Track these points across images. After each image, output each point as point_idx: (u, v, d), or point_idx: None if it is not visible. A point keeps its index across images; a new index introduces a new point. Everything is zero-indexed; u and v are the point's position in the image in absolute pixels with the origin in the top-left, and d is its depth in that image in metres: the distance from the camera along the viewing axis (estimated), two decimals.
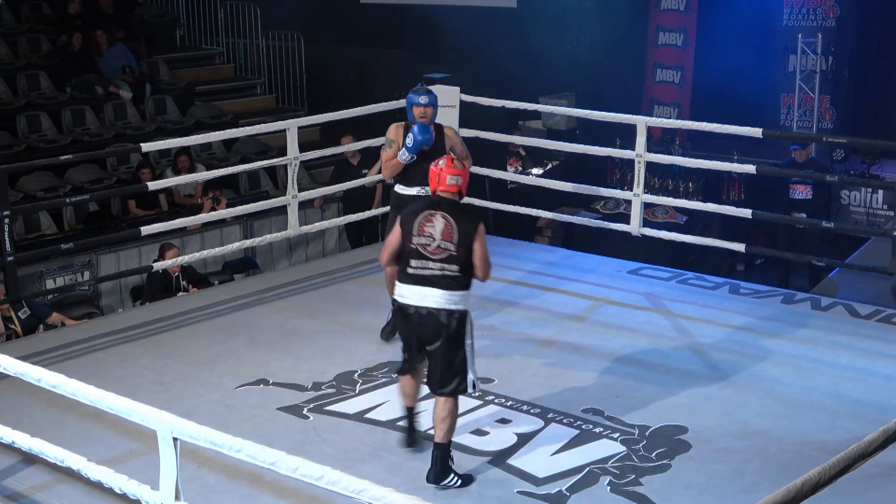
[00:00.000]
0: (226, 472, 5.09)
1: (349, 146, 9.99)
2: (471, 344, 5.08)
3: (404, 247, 5.11)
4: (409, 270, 5.07)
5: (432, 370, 5.12)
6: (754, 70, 12.68)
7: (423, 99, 6.49)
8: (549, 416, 5.78)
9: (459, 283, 5.03)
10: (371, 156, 10.63)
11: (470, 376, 5.07)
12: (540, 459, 5.29)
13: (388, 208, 8.81)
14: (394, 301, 5.34)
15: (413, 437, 5.43)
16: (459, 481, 5.06)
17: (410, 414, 5.42)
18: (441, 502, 4.87)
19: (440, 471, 5.03)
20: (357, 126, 9.83)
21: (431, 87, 8.73)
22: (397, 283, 5.16)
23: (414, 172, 6.49)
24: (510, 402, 5.95)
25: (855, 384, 6.16)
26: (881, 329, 7.07)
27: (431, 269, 5.03)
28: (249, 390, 6.20)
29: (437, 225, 5.03)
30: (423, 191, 6.29)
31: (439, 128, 6.62)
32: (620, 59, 13.59)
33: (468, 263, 5.05)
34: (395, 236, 5.18)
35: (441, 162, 5.24)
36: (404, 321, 5.16)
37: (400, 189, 6.66)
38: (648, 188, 10.46)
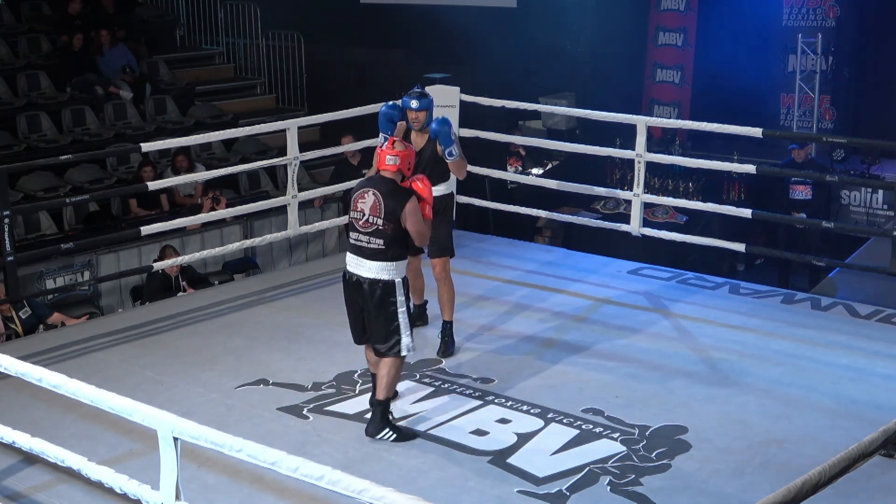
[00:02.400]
0: (226, 472, 5.09)
1: (349, 146, 9.98)
2: (403, 311, 5.48)
3: (348, 219, 5.64)
4: (349, 241, 5.59)
5: (369, 333, 5.56)
6: (754, 70, 12.69)
7: (413, 104, 6.46)
8: (549, 416, 5.78)
9: (385, 255, 5.45)
10: (371, 156, 10.63)
11: (404, 340, 5.47)
12: (540, 459, 5.29)
13: None
14: None
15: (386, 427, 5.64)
16: (394, 436, 5.50)
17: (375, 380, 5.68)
18: (441, 502, 4.87)
19: (378, 426, 5.52)
20: (357, 126, 9.83)
21: (431, 88, 8.77)
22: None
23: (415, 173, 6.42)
24: (510, 402, 5.95)
25: (855, 384, 6.16)
26: (881, 329, 7.07)
27: (362, 241, 5.50)
28: (249, 390, 6.20)
29: (368, 201, 5.49)
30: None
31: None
32: (620, 59, 13.59)
33: (397, 236, 5.46)
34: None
35: (384, 143, 5.71)
36: (344, 287, 5.66)
37: None
38: (648, 188, 10.46)
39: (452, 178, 6.79)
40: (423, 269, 6.90)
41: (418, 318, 6.97)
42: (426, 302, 7.07)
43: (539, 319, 7.28)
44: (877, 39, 12.56)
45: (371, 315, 5.50)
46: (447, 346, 6.68)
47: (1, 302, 7.68)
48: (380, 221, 5.44)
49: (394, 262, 5.48)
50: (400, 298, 5.48)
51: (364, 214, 5.48)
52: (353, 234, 5.54)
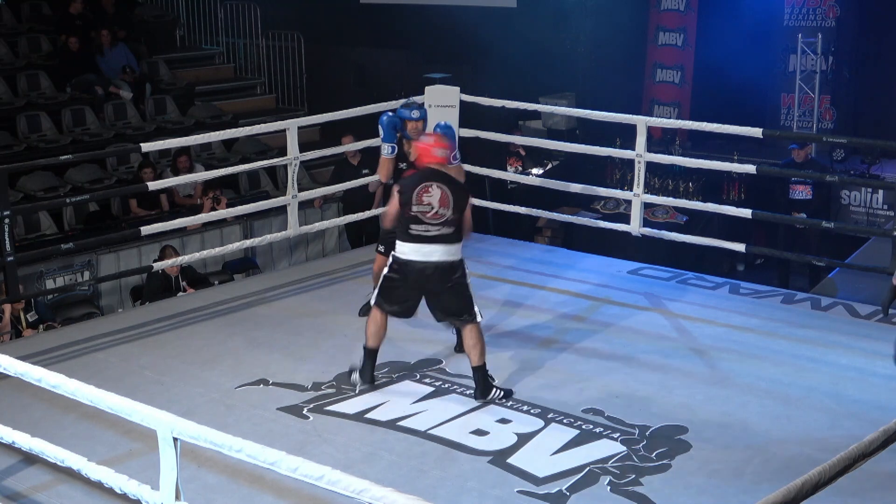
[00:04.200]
0: (226, 472, 5.09)
1: (349, 146, 9.99)
2: (470, 283, 6.04)
3: (404, 214, 5.93)
4: (412, 232, 5.93)
5: (445, 311, 6.02)
6: (754, 70, 12.68)
7: (414, 114, 6.87)
8: (549, 416, 5.78)
9: (456, 239, 5.98)
10: (371, 156, 10.63)
11: (476, 308, 5.99)
12: (540, 459, 5.29)
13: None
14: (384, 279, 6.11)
15: (372, 376, 6.16)
16: (501, 393, 6.01)
17: (374, 356, 6.16)
18: (441, 502, 4.87)
19: (485, 388, 5.97)
20: (357, 126, 9.83)
21: (431, 88, 8.79)
22: (399, 242, 5.99)
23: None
24: (510, 402, 5.95)
25: (855, 384, 6.16)
26: (881, 329, 7.06)
27: (433, 231, 5.90)
28: (249, 390, 6.20)
29: (435, 195, 5.90)
30: None
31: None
32: (620, 59, 13.59)
33: (460, 224, 5.99)
34: (394, 206, 6.01)
35: (430, 138, 6.10)
36: (405, 275, 5.99)
37: None
38: (648, 188, 10.46)
39: None
40: None
41: None
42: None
43: (539, 319, 7.28)
44: (877, 39, 12.55)
45: (449, 293, 5.97)
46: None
47: (14, 300, 7.66)
48: (449, 213, 5.90)
49: (460, 244, 6.03)
50: (467, 272, 6.04)
51: (433, 207, 5.88)
52: (418, 227, 5.90)
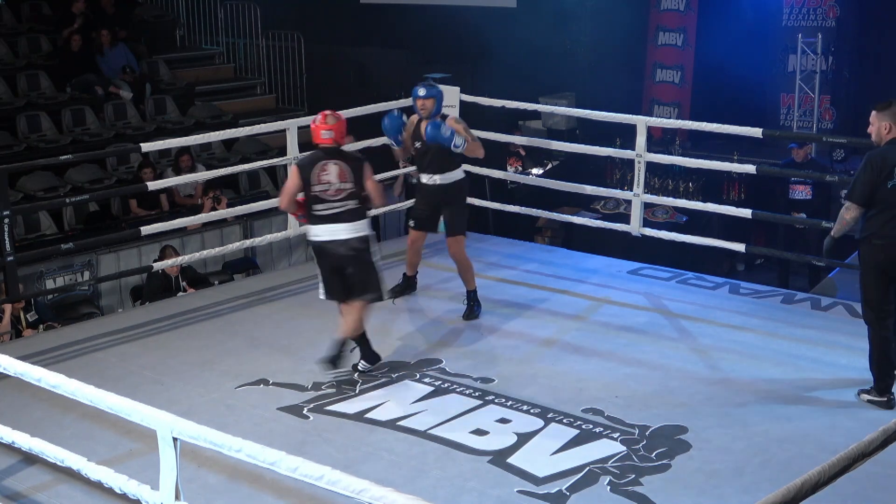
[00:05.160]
0: (226, 472, 5.09)
1: (349, 146, 9.97)
2: (378, 259, 6.20)
3: (307, 195, 6.07)
4: (316, 213, 6.07)
5: (352, 287, 6.14)
6: (754, 70, 12.69)
7: (420, 91, 7.08)
8: (549, 416, 5.78)
9: (362, 213, 6.13)
10: (371, 155, 10.62)
11: (383, 287, 6.24)
12: (540, 459, 5.29)
13: (387, 208, 9.43)
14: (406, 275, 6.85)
15: (339, 362, 6.23)
16: (361, 360, 6.32)
17: (343, 344, 6.23)
18: (441, 502, 4.87)
19: (334, 357, 6.18)
20: (357, 126, 9.82)
21: None
22: (309, 227, 6.16)
23: (426, 161, 7.18)
24: (510, 402, 5.95)
25: (855, 384, 6.15)
26: None
27: (337, 207, 6.04)
28: (249, 390, 6.20)
29: (332, 171, 6.05)
30: (432, 178, 7.17)
31: (443, 118, 7.08)
32: (620, 59, 13.59)
33: (363, 196, 6.12)
34: (292, 185, 6.14)
35: (317, 118, 6.18)
36: (321, 256, 6.17)
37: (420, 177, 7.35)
38: (648, 188, 10.46)
39: (461, 166, 7.29)
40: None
41: (406, 286, 7.66)
42: (416, 274, 7.71)
43: (539, 319, 7.28)
44: (877, 40, 12.56)
45: (358, 269, 6.12)
46: (472, 309, 7.26)
47: (14, 300, 7.66)
48: (349, 186, 6.05)
49: (367, 219, 6.19)
50: (374, 248, 6.21)
51: (332, 184, 6.04)
52: (322, 206, 6.05)
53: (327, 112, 6.23)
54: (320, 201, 6.05)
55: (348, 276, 6.15)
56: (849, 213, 5.85)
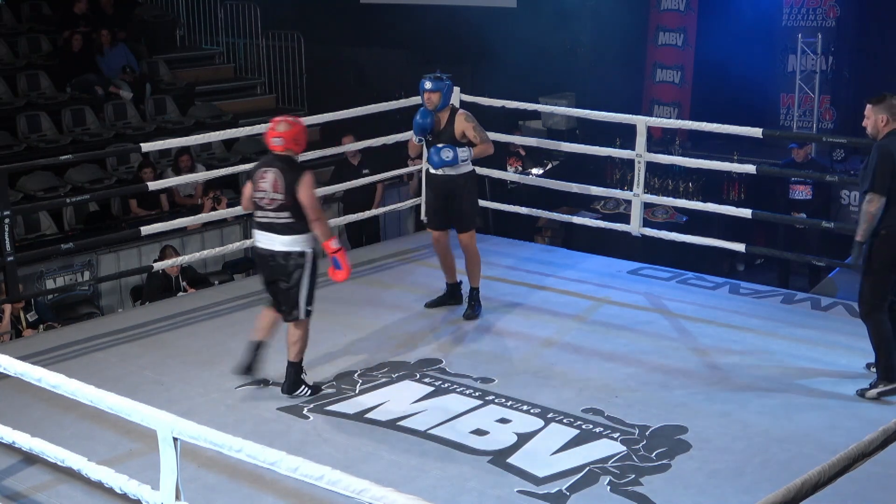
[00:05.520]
0: (226, 472, 5.09)
1: (349, 146, 9.99)
2: (307, 281, 5.90)
3: (252, 199, 5.97)
4: (255, 219, 5.97)
5: (279, 303, 5.99)
6: (754, 70, 12.69)
7: (427, 84, 7.06)
8: (549, 416, 5.78)
9: (293, 228, 5.84)
10: (371, 156, 10.64)
11: (302, 307, 5.93)
12: (540, 459, 5.29)
13: (387, 208, 9.12)
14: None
15: (251, 369, 6.10)
16: (309, 391, 6.04)
17: (256, 348, 6.09)
18: (441, 502, 4.87)
19: (292, 384, 6.02)
20: (357, 126, 9.83)
21: None
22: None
23: None
24: (510, 402, 5.95)
25: (855, 384, 6.15)
26: None
27: (270, 217, 5.87)
28: (249, 390, 6.20)
29: (268, 180, 5.85)
30: (440, 169, 7.08)
31: (453, 111, 7.10)
32: (620, 59, 13.59)
33: (298, 210, 5.81)
34: (246, 187, 6.06)
35: (270, 125, 6.00)
36: (257, 263, 6.11)
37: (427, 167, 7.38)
38: (648, 188, 10.46)
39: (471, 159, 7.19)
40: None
41: (450, 297, 7.49)
42: (460, 282, 7.46)
43: (539, 319, 7.28)
44: (877, 40, 12.55)
45: (281, 285, 5.91)
46: (473, 308, 7.23)
47: (14, 300, 7.67)
48: (281, 197, 5.81)
49: (303, 235, 5.86)
50: (309, 267, 5.89)
51: (266, 192, 5.85)
52: (259, 213, 5.92)
53: (280, 118, 6.06)
54: (258, 208, 5.93)
55: (275, 287, 6.00)
56: (872, 205, 5.75)
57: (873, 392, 5.90)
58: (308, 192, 5.80)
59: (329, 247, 5.93)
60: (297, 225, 5.83)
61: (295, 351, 6.01)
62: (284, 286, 5.92)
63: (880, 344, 5.90)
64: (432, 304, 7.46)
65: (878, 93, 5.94)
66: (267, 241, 5.91)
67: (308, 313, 5.97)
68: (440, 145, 7.01)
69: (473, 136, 7.03)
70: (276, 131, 5.93)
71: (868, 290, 5.90)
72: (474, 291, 7.31)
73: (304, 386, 6.04)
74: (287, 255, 5.86)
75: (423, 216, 7.61)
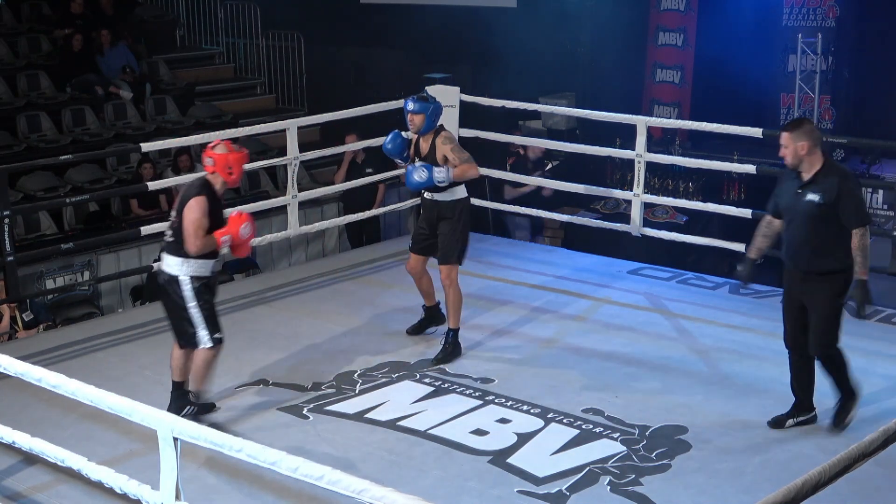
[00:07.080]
0: (226, 472, 5.09)
1: (350, 146, 9.99)
2: (193, 305, 5.48)
3: None
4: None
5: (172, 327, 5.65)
6: (754, 70, 12.67)
7: (410, 105, 6.47)
8: (549, 416, 5.78)
9: (175, 249, 5.49)
10: (375, 154, 10.62)
11: (200, 333, 5.49)
12: (540, 459, 5.29)
13: (387, 208, 9.19)
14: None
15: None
16: (195, 409, 5.61)
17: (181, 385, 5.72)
18: (441, 502, 4.87)
19: (178, 408, 5.53)
20: (357, 126, 9.82)
21: (431, 88, 8.78)
22: None
23: None
24: (510, 402, 5.95)
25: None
26: (881, 329, 7.07)
27: (166, 235, 5.59)
28: (249, 390, 6.20)
29: (178, 198, 5.54)
30: (430, 193, 6.59)
31: (437, 133, 6.50)
32: (620, 59, 13.57)
33: (181, 234, 5.46)
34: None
35: (211, 142, 5.74)
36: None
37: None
38: (648, 188, 10.46)
39: (462, 184, 6.61)
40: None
41: (430, 320, 6.97)
42: (438, 303, 6.94)
43: (539, 319, 7.28)
44: (877, 39, 12.54)
45: (167, 307, 5.63)
46: (445, 353, 6.54)
47: (10, 301, 7.66)
48: (174, 216, 5.53)
49: (184, 260, 5.48)
50: (187, 293, 5.48)
51: (172, 212, 5.58)
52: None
53: (221, 140, 5.79)
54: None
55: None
56: (867, 238, 5.52)
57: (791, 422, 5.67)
58: (192, 217, 5.42)
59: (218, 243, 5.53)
60: (180, 247, 5.47)
61: (195, 379, 5.64)
62: (168, 308, 5.62)
63: (840, 369, 5.62)
64: (413, 331, 6.98)
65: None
66: (161, 257, 5.65)
67: (217, 340, 5.56)
68: (416, 164, 6.45)
69: (452, 158, 6.39)
70: (211, 150, 5.64)
71: (831, 333, 5.55)
72: (452, 333, 6.59)
73: (189, 407, 5.65)
74: (166, 277, 5.55)
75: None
